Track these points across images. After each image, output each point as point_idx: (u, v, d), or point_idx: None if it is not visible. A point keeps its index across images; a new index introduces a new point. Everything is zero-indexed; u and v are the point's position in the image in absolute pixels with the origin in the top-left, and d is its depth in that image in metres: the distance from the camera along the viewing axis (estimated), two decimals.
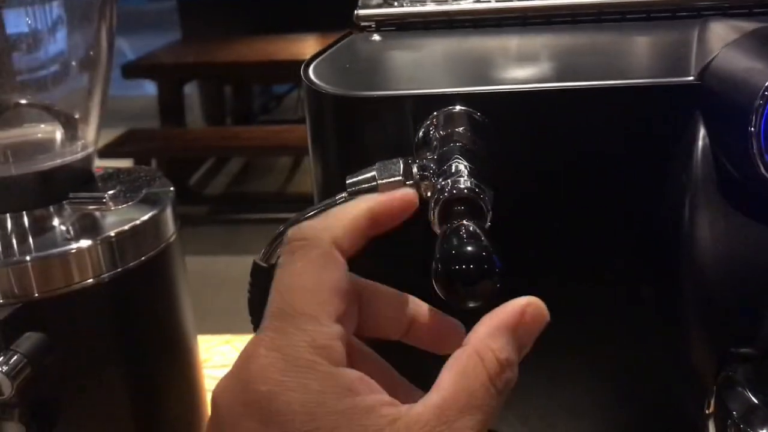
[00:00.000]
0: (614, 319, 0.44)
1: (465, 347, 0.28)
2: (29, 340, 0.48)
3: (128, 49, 4.35)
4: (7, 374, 0.45)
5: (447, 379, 0.27)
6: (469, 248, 0.30)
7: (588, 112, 0.42)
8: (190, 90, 3.76)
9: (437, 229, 0.34)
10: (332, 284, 0.29)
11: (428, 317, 0.34)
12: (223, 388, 0.28)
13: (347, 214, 0.31)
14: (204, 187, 3.37)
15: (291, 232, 0.30)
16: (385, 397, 0.27)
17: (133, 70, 3.30)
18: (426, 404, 0.27)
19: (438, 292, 0.31)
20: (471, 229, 0.31)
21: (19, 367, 0.46)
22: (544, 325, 0.30)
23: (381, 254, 0.45)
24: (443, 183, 0.35)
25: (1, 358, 0.46)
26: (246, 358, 0.28)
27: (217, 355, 0.87)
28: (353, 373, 0.27)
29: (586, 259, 0.44)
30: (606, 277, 0.44)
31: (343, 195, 0.40)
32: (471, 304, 0.30)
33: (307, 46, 3.23)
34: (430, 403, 0.27)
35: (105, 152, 2.73)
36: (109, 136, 2.91)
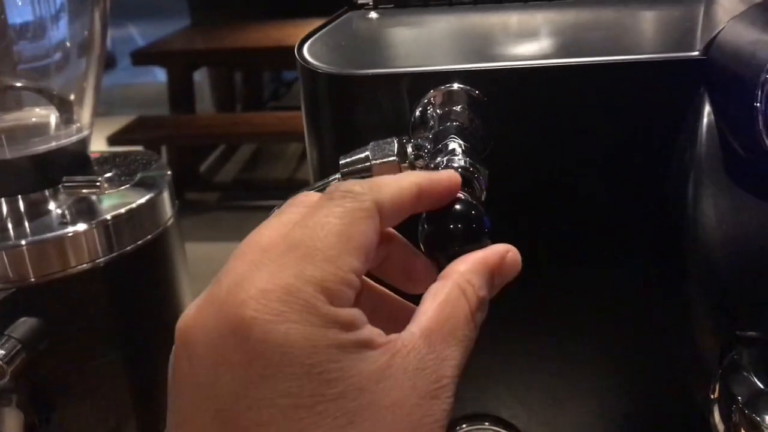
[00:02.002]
0: (618, 302, 0.43)
1: (445, 280, 0.28)
2: (24, 324, 0.48)
3: (138, 35, 4.34)
4: (1, 359, 0.45)
5: (430, 308, 0.27)
6: (459, 207, 0.29)
7: (590, 88, 0.40)
8: (200, 77, 3.76)
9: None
10: (362, 239, 0.26)
11: (403, 252, 0.32)
12: (196, 317, 0.24)
13: (395, 184, 0.29)
14: (214, 174, 3.37)
15: (334, 185, 0.28)
16: (375, 328, 0.26)
17: (142, 57, 3.29)
18: (413, 332, 0.26)
19: (425, 253, 0.30)
20: (463, 197, 0.30)
21: (14, 352, 0.46)
22: (517, 273, 0.30)
23: None
24: (438, 161, 0.34)
25: None
26: (236, 280, 0.24)
27: None
28: (353, 310, 0.25)
29: (589, 240, 0.43)
30: (609, 258, 0.43)
31: (336, 176, 0.39)
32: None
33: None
34: (417, 331, 0.26)
35: (115, 139, 2.73)
36: (119, 123, 2.92)
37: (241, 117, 3.51)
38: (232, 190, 3.19)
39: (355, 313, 0.25)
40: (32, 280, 0.49)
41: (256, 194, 3.14)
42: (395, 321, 0.30)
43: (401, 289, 0.32)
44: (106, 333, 0.52)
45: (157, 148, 2.90)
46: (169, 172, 0.57)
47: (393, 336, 0.26)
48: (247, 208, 3.02)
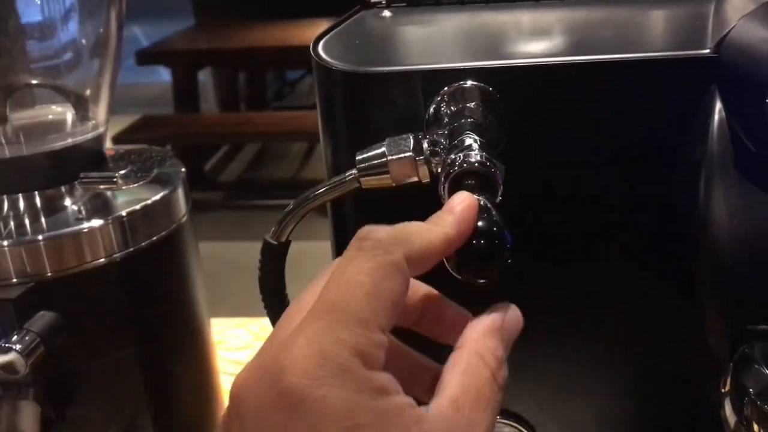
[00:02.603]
0: (630, 296, 0.44)
1: (462, 348, 0.29)
2: (42, 319, 0.48)
3: (142, 35, 4.35)
4: (21, 352, 0.46)
5: (454, 378, 0.28)
6: (481, 224, 0.30)
7: (602, 86, 0.41)
8: (204, 76, 3.76)
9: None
10: (392, 297, 0.27)
11: (440, 306, 0.34)
12: (246, 378, 0.27)
13: (425, 237, 0.29)
14: (218, 174, 3.38)
15: (365, 231, 0.29)
16: (408, 397, 0.27)
17: (147, 57, 3.31)
18: (441, 402, 0.27)
19: (449, 268, 0.31)
20: (482, 203, 0.31)
21: (33, 346, 0.46)
22: (520, 327, 0.32)
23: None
24: (453, 157, 0.34)
25: (15, 336, 0.46)
26: (279, 347, 0.26)
27: (232, 338, 0.87)
28: (385, 375, 0.27)
29: (601, 236, 0.43)
30: (621, 253, 0.43)
31: (353, 172, 0.40)
32: (482, 281, 0.30)
33: (321, 31, 3.22)
34: (445, 400, 0.27)
35: (120, 138, 2.74)
36: (124, 122, 2.93)
37: (245, 117, 3.53)
38: (237, 189, 3.21)
39: (388, 379, 0.27)
40: (49, 274, 0.50)
41: (260, 193, 3.15)
42: (418, 379, 0.32)
43: (431, 337, 0.34)
44: (122, 328, 0.53)
45: (161, 147, 2.91)
46: (183, 169, 0.57)
47: (422, 408, 0.27)
48: (252, 207, 3.03)
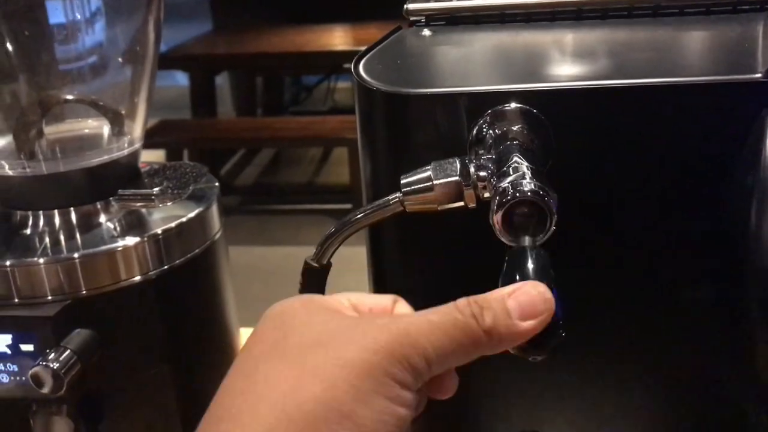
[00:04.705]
0: (676, 324, 0.43)
1: None
2: (79, 336, 0.48)
3: None
4: (58, 370, 0.46)
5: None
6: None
7: (650, 110, 0.40)
8: (222, 81, 3.77)
9: (499, 233, 0.34)
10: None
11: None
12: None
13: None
14: (234, 178, 3.39)
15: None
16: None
17: (164, 61, 3.31)
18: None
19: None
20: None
21: (70, 364, 0.46)
22: (539, 301, 0.30)
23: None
24: (506, 185, 0.34)
25: (53, 354, 0.46)
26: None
27: None
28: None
29: (649, 260, 0.42)
30: (669, 277, 0.43)
31: (398, 195, 0.39)
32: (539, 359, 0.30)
33: (338, 36, 3.22)
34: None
35: None
36: None
37: (263, 121, 3.53)
38: (253, 194, 3.21)
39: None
40: (84, 292, 0.50)
41: (276, 198, 3.16)
42: None
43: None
44: (156, 345, 0.53)
45: (179, 152, 2.92)
46: (217, 184, 0.57)
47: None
48: (268, 211, 3.03)
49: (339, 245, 0.42)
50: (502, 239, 0.34)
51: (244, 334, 0.72)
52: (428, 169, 0.38)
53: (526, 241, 0.32)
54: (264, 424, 0.26)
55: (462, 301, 0.29)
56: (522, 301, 0.29)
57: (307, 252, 0.44)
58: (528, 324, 0.28)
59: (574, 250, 0.41)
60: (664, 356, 0.44)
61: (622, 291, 0.43)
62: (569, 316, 0.31)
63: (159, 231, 0.52)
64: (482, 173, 0.37)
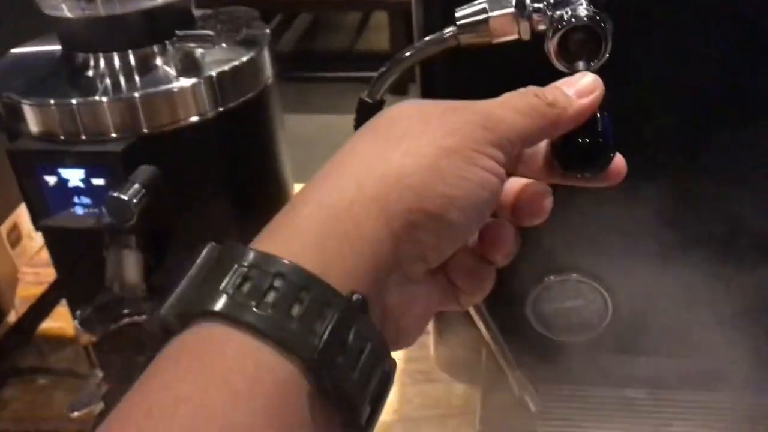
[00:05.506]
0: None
1: None
2: (145, 172, 0.51)
3: None
4: (129, 201, 0.49)
5: None
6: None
7: None
8: None
9: (554, 60, 0.34)
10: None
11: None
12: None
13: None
14: (272, 45, 3.34)
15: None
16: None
17: None
18: None
19: (555, 159, 0.31)
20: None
21: (139, 196, 0.49)
22: (595, 87, 0.32)
23: None
24: (561, 12, 0.34)
25: (124, 187, 0.49)
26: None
27: None
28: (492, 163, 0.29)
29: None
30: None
31: (452, 29, 0.40)
32: (587, 174, 0.32)
33: None
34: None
35: None
36: None
37: None
38: (291, 61, 3.18)
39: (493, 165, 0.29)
40: (145, 131, 0.52)
41: (314, 65, 3.13)
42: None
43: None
44: (215, 182, 0.55)
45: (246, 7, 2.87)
46: (268, 30, 0.58)
47: None
48: (306, 79, 3.02)
49: (392, 80, 0.43)
50: (558, 66, 0.34)
51: (296, 190, 0.75)
52: (483, 2, 0.39)
53: (581, 66, 0.33)
54: (340, 188, 0.27)
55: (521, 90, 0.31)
56: (573, 82, 0.31)
57: (346, 120, 0.45)
58: (584, 100, 0.30)
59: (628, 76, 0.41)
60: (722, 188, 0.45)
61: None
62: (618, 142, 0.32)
63: (214, 73, 0.53)
64: (537, 5, 0.37)
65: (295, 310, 0.24)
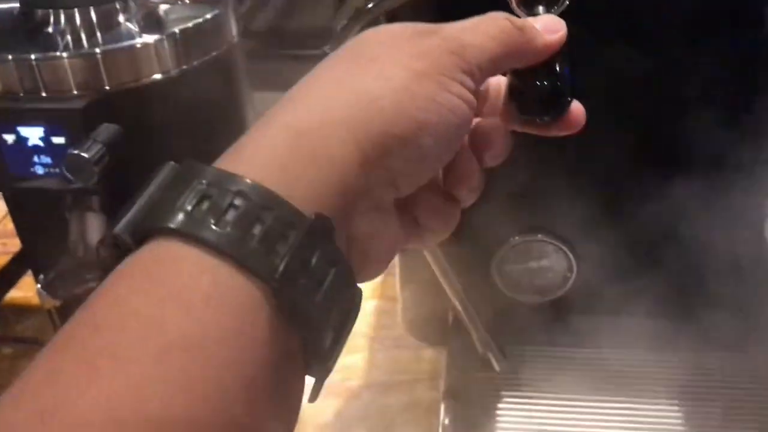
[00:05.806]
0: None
1: None
2: (107, 130, 0.50)
3: None
4: (90, 159, 0.48)
5: None
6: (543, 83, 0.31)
7: None
8: None
9: (514, 7, 0.34)
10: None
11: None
12: None
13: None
14: (250, 23, 3.31)
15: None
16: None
17: None
18: None
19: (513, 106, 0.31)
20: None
21: (100, 154, 0.49)
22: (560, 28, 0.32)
23: None
24: None
25: (84, 145, 0.48)
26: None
27: None
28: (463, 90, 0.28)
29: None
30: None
31: None
32: (545, 119, 0.31)
33: None
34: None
35: None
36: None
37: None
38: (268, 38, 3.15)
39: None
40: (107, 88, 0.51)
41: (292, 42, 3.10)
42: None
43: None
44: (179, 141, 0.55)
45: None
46: None
47: None
48: (284, 56, 2.99)
49: (360, 29, 0.43)
50: (517, 12, 0.34)
51: None
52: None
53: (541, 11, 0.33)
54: (308, 110, 0.27)
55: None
56: (538, 19, 0.31)
57: None
58: (550, 36, 0.30)
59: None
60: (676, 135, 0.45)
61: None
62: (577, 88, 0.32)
63: (177, 30, 0.52)
64: None
65: (256, 230, 0.23)
